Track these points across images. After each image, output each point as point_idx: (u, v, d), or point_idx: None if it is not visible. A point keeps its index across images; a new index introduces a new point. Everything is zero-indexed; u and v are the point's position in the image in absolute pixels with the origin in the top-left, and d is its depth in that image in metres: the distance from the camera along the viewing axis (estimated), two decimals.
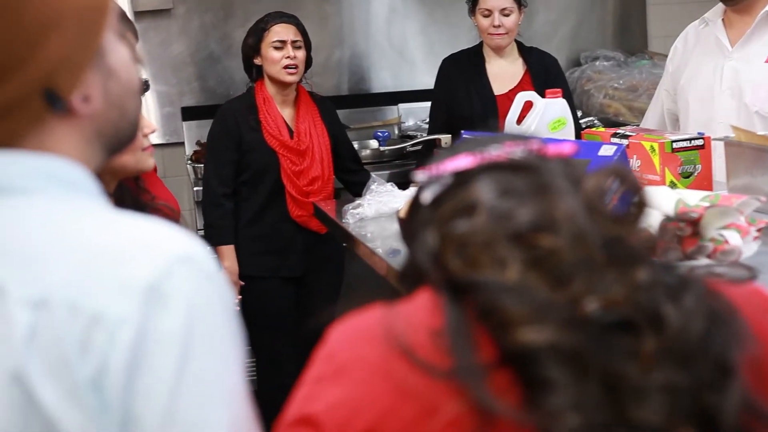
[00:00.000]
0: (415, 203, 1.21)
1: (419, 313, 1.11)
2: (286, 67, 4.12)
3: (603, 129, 3.33)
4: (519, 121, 3.33)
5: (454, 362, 1.04)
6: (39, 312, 1.05)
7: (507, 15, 4.22)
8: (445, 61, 4.48)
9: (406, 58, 5.58)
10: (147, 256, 1.09)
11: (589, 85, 5.45)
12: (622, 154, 2.57)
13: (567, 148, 1.21)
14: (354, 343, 1.13)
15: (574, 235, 1.08)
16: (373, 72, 5.58)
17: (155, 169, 3.91)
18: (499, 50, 4.32)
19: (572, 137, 3.25)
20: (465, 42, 4.75)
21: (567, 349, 1.02)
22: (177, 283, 1.08)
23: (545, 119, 3.22)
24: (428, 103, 4.61)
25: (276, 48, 4.13)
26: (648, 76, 5.33)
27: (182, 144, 5.31)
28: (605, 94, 5.36)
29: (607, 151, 2.56)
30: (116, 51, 1.23)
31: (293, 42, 4.15)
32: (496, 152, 1.18)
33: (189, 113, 5.32)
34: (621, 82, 5.37)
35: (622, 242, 1.10)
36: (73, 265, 1.07)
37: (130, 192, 2.34)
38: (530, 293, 1.05)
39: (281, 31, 4.16)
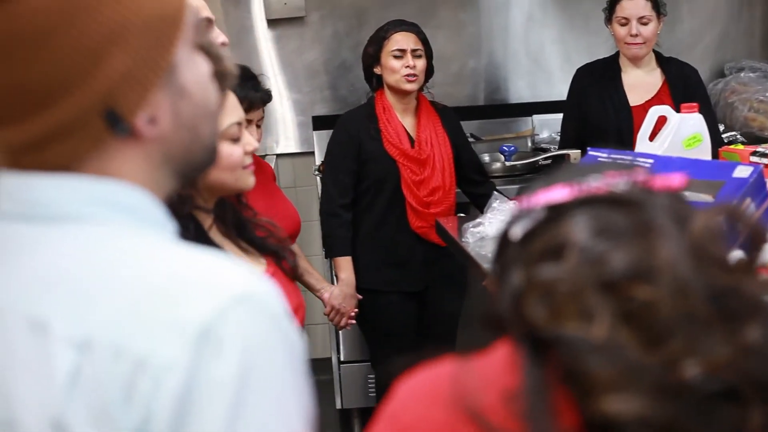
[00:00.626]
0: (503, 239, 1.09)
1: (494, 370, 0.99)
2: (406, 76, 4.02)
3: (742, 147, 3.14)
4: (652, 137, 3.16)
5: (530, 430, 0.91)
6: (83, 354, 0.97)
7: (645, 24, 4.05)
8: (579, 70, 4.33)
9: (542, 67, 5.43)
10: (202, 295, 1.00)
11: (733, 97, 5.21)
12: (759, 177, 2.39)
13: (676, 181, 1.07)
14: (420, 403, 1.02)
15: (675, 286, 0.94)
16: (509, 82, 5.44)
17: (273, 176, 3.88)
18: (635, 60, 4.15)
19: (708, 155, 3.07)
20: (604, 51, 4.59)
21: (659, 422, 0.88)
22: (233, 325, 0.99)
23: (680, 135, 3.05)
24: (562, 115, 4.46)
25: (395, 57, 4.05)
26: None
27: (313, 153, 5.26)
28: (750, 107, 5.12)
29: (742, 172, 2.38)
30: (191, 67, 1.14)
31: (413, 51, 4.06)
32: (596, 184, 1.05)
33: (320, 122, 5.27)
34: (767, 94, 5.12)
35: (733, 294, 0.96)
36: (121, 303, 0.99)
37: (232, 208, 2.26)
38: (620, 353, 0.92)
39: (401, 40, 4.07)
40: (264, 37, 5.25)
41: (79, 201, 1.07)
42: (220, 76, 1.26)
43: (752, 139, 4.70)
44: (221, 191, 2.17)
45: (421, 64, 4.07)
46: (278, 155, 5.27)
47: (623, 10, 4.07)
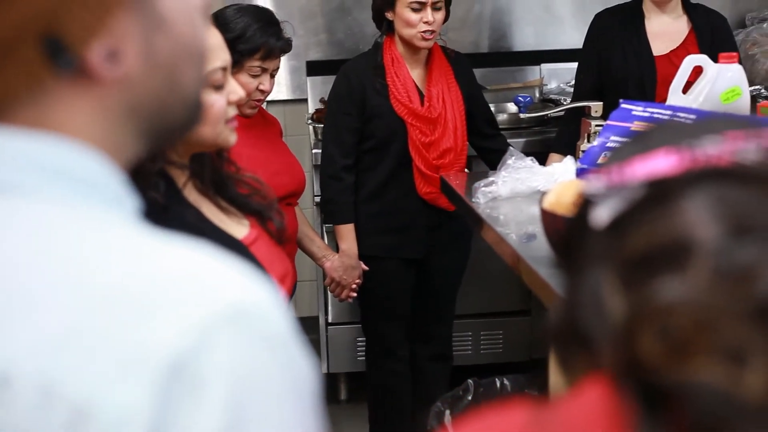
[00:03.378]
0: (580, 222, 0.78)
1: (584, 422, 0.68)
2: (423, 32, 3.62)
3: None
4: (685, 89, 2.85)
5: None
6: None
7: None
8: (598, 15, 3.99)
9: (553, 13, 5.10)
10: (173, 311, 0.69)
11: (754, 49, 4.90)
12: None
13: None
14: None
15: None
16: (515, 28, 5.12)
17: (281, 132, 3.58)
18: (661, 5, 3.80)
19: (747, 111, 2.77)
20: None
21: None
22: (218, 355, 0.68)
23: (717, 88, 2.75)
24: (574, 64, 4.14)
25: (414, 10, 3.61)
26: None
27: (306, 101, 4.95)
28: None
29: None
30: None
31: (434, 3, 3.63)
32: (716, 150, 0.74)
33: (315, 68, 4.95)
34: None
35: None
36: (54, 321, 0.68)
37: (211, 162, 1.96)
38: None
39: None
40: None
41: (7, 164, 0.76)
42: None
43: None
44: (198, 147, 1.87)
45: (440, 17, 3.66)
46: (268, 102, 4.96)
47: None
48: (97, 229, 0.76)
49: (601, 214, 0.75)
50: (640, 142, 0.79)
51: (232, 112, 1.90)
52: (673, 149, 0.75)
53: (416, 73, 3.77)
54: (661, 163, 0.74)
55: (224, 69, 1.88)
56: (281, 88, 4.99)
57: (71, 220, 0.76)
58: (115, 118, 0.81)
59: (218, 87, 1.86)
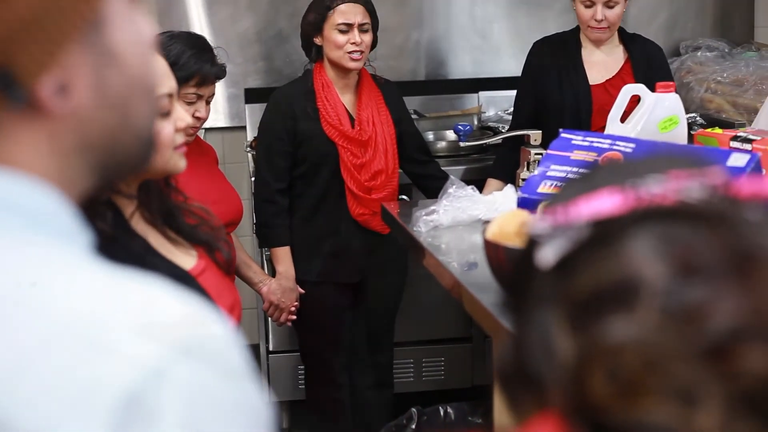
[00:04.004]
0: (526, 262, 0.78)
1: None
2: (350, 53, 3.65)
3: (720, 130, 2.87)
4: (623, 118, 2.88)
5: None
6: None
7: (611, 7, 3.74)
8: (536, 44, 4.03)
9: (489, 41, 5.13)
10: (129, 345, 0.69)
11: (689, 77, 4.96)
12: (756, 166, 2.12)
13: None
14: None
15: None
16: (453, 56, 5.14)
17: (216, 160, 3.56)
18: (598, 44, 3.86)
19: (684, 140, 2.81)
20: (555, 26, 4.31)
21: None
22: (171, 389, 0.68)
23: (655, 117, 2.78)
24: (512, 92, 4.18)
25: (341, 31, 3.66)
26: (755, 69, 4.83)
27: (244, 128, 4.93)
28: (707, 88, 4.86)
29: (737, 160, 2.10)
30: (126, 25, 0.82)
31: (360, 25, 3.67)
32: (659, 189, 0.75)
33: (253, 95, 4.92)
34: (725, 75, 4.86)
35: None
36: (10, 355, 0.68)
37: (159, 192, 1.94)
38: None
39: (347, 12, 3.66)
40: (195, 3, 4.91)
41: None
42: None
43: (710, 121, 4.47)
44: (147, 174, 1.85)
45: (367, 39, 3.70)
46: (207, 129, 4.94)
47: None
48: (48, 264, 0.75)
49: (547, 255, 0.75)
50: (584, 182, 0.79)
51: (180, 139, 1.89)
52: (618, 189, 0.75)
53: (346, 98, 3.79)
54: (605, 202, 0.75)
55: (170, 96, 1.87)
56: (219, 115, 4.97)
57: (22, 255, 0.75)
58: (66, 152, 0.80)
59: (165, 114, 1.85)
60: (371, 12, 3.74)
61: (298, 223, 3.79)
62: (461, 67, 5.14)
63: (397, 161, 3.83)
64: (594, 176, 0.80)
